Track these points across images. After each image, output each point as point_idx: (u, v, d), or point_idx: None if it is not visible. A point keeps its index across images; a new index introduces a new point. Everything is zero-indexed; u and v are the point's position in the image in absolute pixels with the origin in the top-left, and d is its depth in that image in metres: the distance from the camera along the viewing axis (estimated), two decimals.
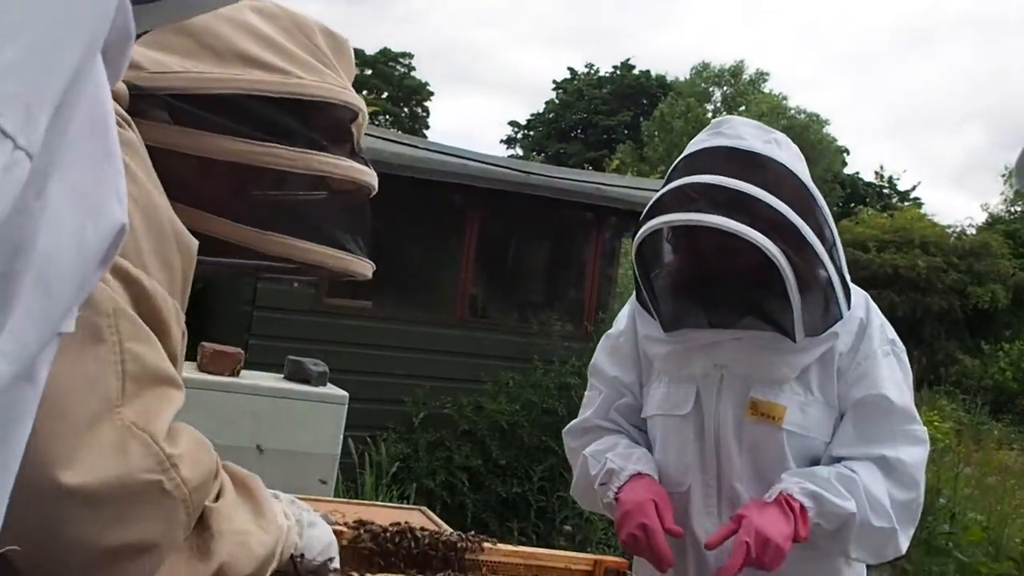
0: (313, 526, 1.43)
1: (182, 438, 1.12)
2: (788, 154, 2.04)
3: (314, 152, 1.32)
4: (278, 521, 1.29)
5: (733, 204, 1.90)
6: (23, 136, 0.43)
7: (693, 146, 2.11)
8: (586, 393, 2.39)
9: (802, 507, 1.93)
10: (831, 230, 2.02)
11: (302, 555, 1.37)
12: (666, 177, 2.09)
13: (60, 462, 0.99)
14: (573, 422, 2.37)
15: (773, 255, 1.88)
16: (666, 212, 1.99)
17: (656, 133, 35.91)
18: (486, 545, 1.76)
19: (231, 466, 1.28)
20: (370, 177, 1.42)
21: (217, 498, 1.19)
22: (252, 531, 1.22)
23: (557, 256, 9.81)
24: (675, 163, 2.11)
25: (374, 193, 1.48)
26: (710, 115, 35.17)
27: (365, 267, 1.48)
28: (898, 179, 37.73)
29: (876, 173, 38.63)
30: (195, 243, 1.21)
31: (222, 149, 1.28)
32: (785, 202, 1.91)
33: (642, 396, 2.27)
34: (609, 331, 2.40)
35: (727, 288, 2.07)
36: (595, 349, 2.40)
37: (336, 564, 1.45)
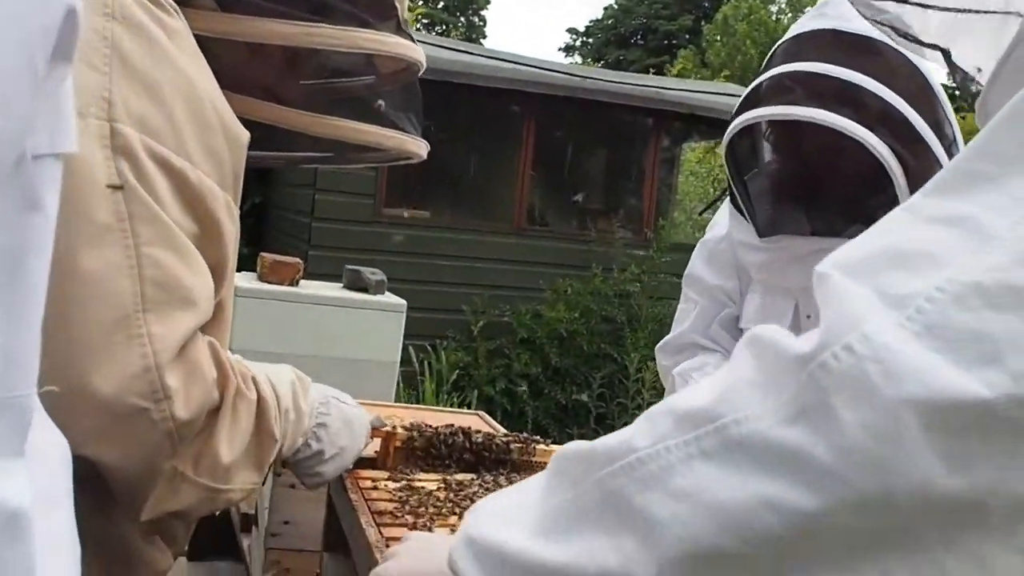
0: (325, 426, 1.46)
1: (184, 367, 1.10)
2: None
3: (361, 30, 1.30)
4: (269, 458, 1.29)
5: (836, 95, 1.69)
6: None
7: (793, 30, 1.90)
8: (680, 305, 2.20)
9: None
10: (952, 126, 1.78)
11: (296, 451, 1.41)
12: (763, 66, 1.89)
13: (85, 366, 1.01)
14: (667, 338, 2.20)
15: (880, 154, 1.66)
16: (760, 105, 1.80)
17: (719, 37, 34.91)
18: (539, 447, 1.74)
19: (252, 388, 1.26)
20: (417, 53, 1.38)
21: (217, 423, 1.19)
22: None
23: (616, 162, 9.66)
24: (773, 50, 1.91)
25: (423, 70, 1.45)
26: (774, 17, 34.06)
27: (420, 146, 1.45)
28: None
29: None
30: (245, 135, 1.18)
31: (270, 32, 1.25)
32: (898, 93, 1.68)
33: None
34: (705, 236, 2.21)
35: (832, 191, 1.86)
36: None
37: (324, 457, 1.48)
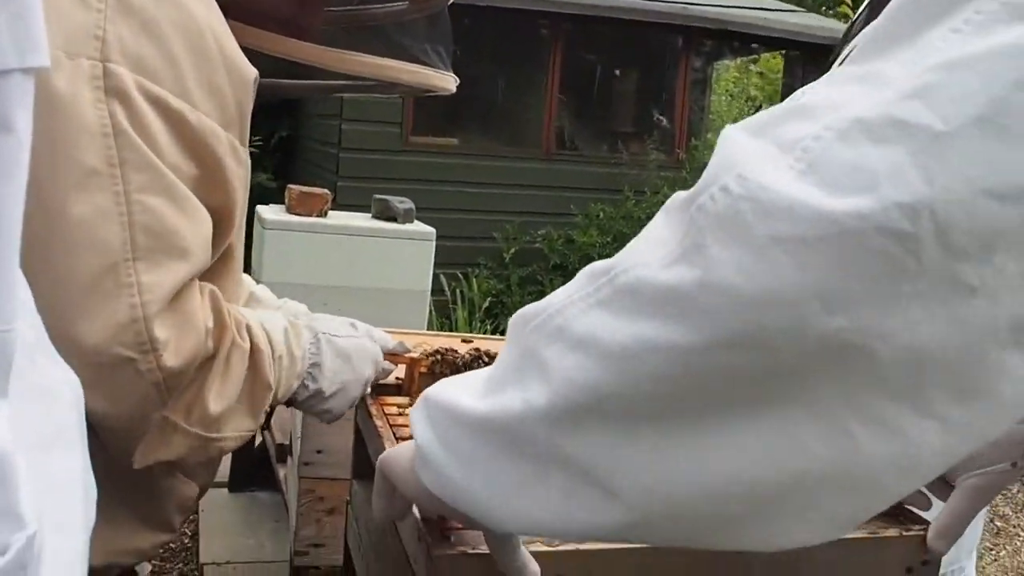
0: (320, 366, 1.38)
1: (176, 318, 1.07)
2: None
3: None
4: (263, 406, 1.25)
5: None
6: None
7: None
8: None
9: None
10: None
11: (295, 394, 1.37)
12: None
13: (71, 313, 0.99)
14: None
15: None
16: None
17: None
18: None
19: (246, 337, 1.22)
20: None
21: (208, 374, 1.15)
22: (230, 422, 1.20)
23: (646, 82, 9.48)
24: None
25: (451, 1, 1.38)
26: None
27: (447, 81, 1.40)
28: None
29: None
30: (251, 72, 1.13)
31: None
32: None
33: None
34: None
35: None
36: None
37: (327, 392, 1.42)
